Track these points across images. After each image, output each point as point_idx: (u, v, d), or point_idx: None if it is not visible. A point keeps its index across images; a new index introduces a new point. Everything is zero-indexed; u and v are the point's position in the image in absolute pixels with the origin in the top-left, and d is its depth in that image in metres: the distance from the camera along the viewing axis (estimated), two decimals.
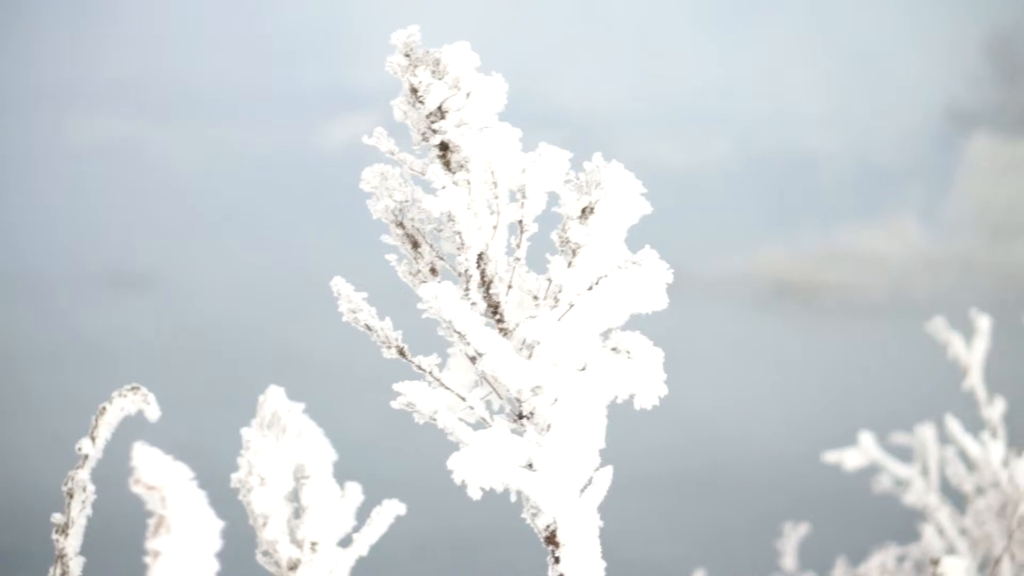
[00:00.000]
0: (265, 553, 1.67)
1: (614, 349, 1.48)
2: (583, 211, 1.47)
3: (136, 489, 0.98)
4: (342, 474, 1.74)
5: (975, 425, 3.44)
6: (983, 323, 3.51)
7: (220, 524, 0.98)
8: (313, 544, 1.67)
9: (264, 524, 1.65)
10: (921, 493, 3.34)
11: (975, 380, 3.50)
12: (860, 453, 3.45)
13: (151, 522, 0.98)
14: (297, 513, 1.68)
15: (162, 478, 0.97)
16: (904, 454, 3.50)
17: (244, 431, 1.66)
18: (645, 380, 1.48)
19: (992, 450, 3.14)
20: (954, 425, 3.24)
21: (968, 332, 3.49)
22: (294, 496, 1.69)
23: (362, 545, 1.73)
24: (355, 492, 1.74)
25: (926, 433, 3.39)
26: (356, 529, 1.73)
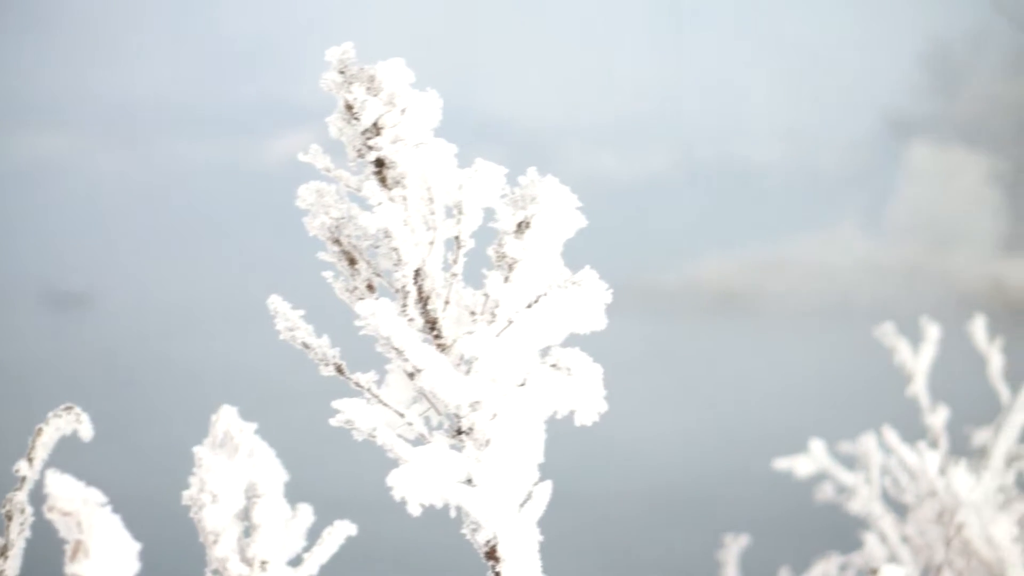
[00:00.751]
0: (215, 571, 1.67)
1: (554, 365, 1.50)
2: (519, 226, 1.48)
3: (51, 516, 0.98)
4: (293, 494, 1.74)
5: (920, 433, 3.47)
6: (932, 331, 3.54)
7: (136, 546, 0.97)
8: (263, 563, 1.67)
9: (215, 542, 1.64)
10: (865, 501, 3.36)
11: (919, 388, 3.53)
12: (811, 460, 3.47)
13: (68, 548, 0.98)
14: (248, 532, 1.68)
15: (76, 504, 0.97)
16: (850, 462, 3.52)
17: (196, 449, 1.66)
18: (585, 397, 1.49)
19: (929, 459, 3.16)
20: (891, 434, 3.26)
21: (913, 339, 3.51)
22: (245, 515, 1.69)
23: (312, 565, 1.73)
24: (306, 512, 1.74)
25: (869, 441, 3.41)
26: (307, 549, 1.73)
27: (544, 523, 1.55)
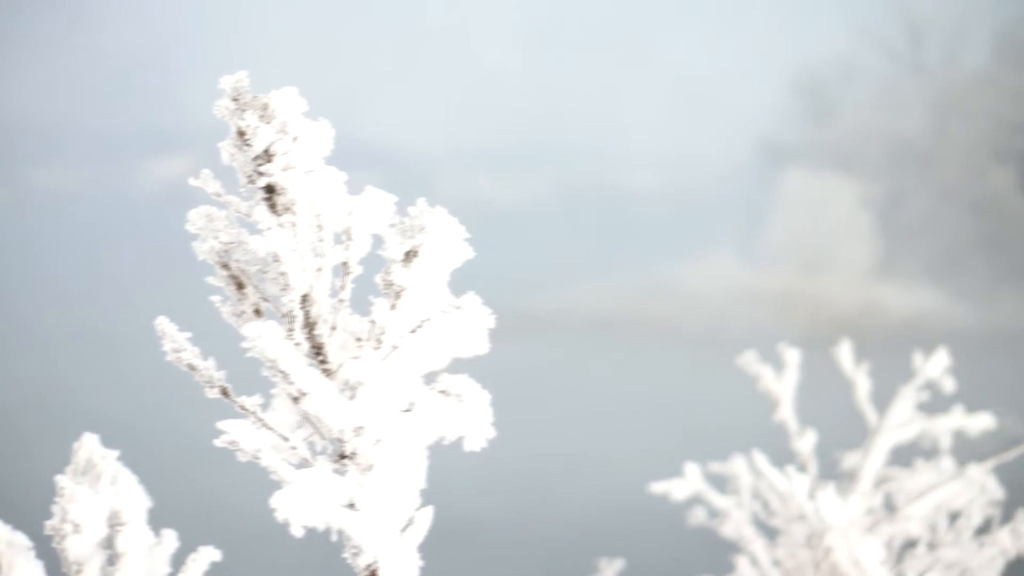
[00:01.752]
0: None
1: (443, 392, 1.51)
2: (407, 255, 1.50)
3: None
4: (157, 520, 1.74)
5: (791, 458, 3.52)
6: (792, 356, 3.59)
7: None
8: None
9: (78, 571, 1.64)
10: (737, 525, 3.41)
11: (786, 413, 3.58)
12: (686, 484, 3.51)
13: None
14: (111, 560, 1.67)
15: (1, 546, 0.97)
16: (723, 486, 3.56)
17: (58, 478, 1.65)
18: (474, 423, 1.51)
19: (798, 483, 3.21)
20: (761, 459, 3.31)
21: (781, 365, 3.56)
22: (109, 543, 1.68)
23: None
24: (170, 539, 1.74)
25: (740, 466, 3.46)
26: None
27: (426, 548, 1.57)
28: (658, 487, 3.51)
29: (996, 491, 3.53)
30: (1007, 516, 3.49)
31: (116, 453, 1.71)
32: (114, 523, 1.68)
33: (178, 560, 1.73)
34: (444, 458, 1.58)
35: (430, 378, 1.53)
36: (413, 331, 1.50)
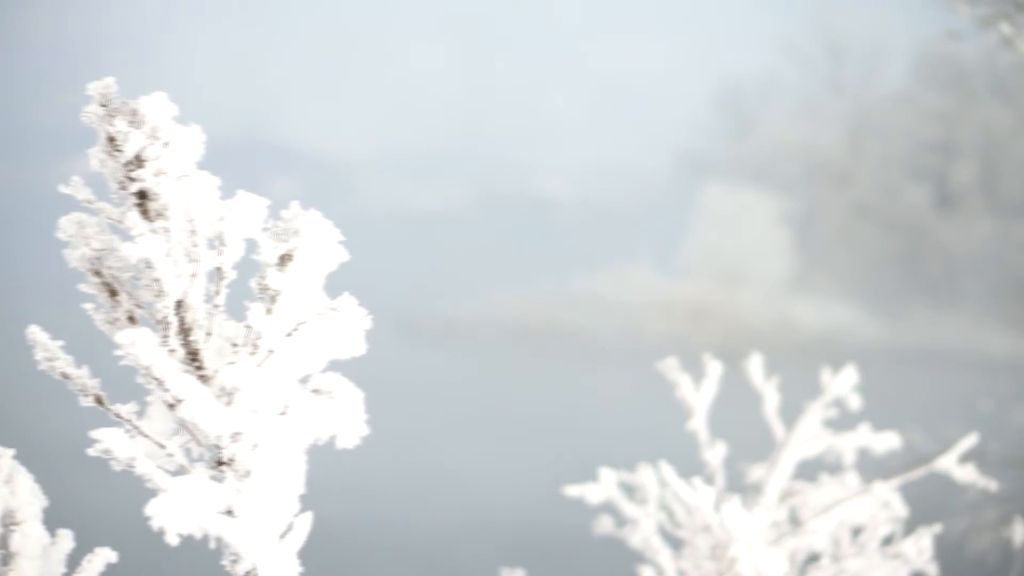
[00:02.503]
0: None
1: (315, 390, 1.50)
2: (281, 258, 1.48)
3: None
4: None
5: (701, 468, 3.53)
6: (714, 367, 3.60)
7: None
8: None
9: None
10: (644, 534, 3.41)
11: (699, 424, 3.59)
12: (600, 489, 3.51)
13: None
14: (5, 560, 1.65)
15: None
16: (631, 495, 3.56)
17: None
18: (346, 420, 1.50)
19: (704, 494, 3.22)
20: (668, 469, 3.32)
21: (698, 375, 3.57)
22: (2, 542, 1.65)
23: None
24: (66, 539, 1.72)
25: (648, 475, 3.46)
26: None
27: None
28: (572, 491, 3.51)
29: (900, 508, 3.56)
30: (910, 532, 3.52)
31: (12, 452, 1.68)
32: (8, 523, 1.65)
33: (73, 561, 1.70)
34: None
35: (305, 381, 1.52)
36: (289, 335, 1.49)
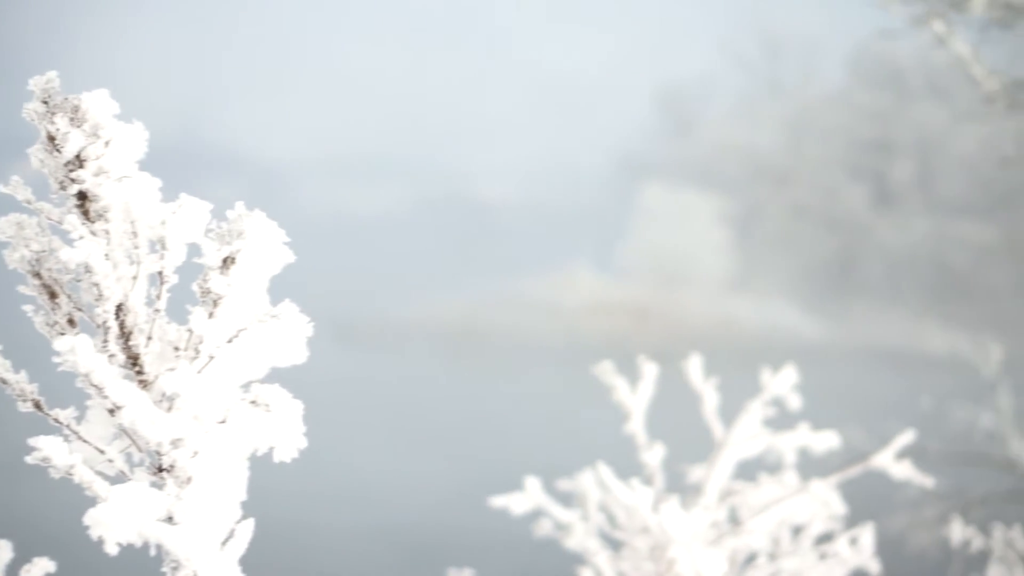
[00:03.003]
0: None
1: (253, 402, 1.49)
2: (224, 261, 1.47)
3: None
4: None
5: (639, 470, 3.53)
6: (649, 369, 3.61)
7: None
8: None
9: None
10: (581, 537, 3.41)
11: (636, 425, 3.59)
12: (526, 498, 3.50)
13: None
14: None
15: None
16: (569, 499, 3.56)
17: None
18: (284, 433, 1.48)
19: (642, 496, 3.23)
20: (606, 471, 3.32)
21: (636, 377, 3.58)
22: None
23: None
24: (5, 549, 1.70)
25: (586, 478, 3.46)
26: None
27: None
28: (498, 500, 3.50)
29: (838, 506, 3.58)
30: (849, 529, 3.54)
31: None
32: None
33: (12, 572, 1.69)
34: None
35: (245, 388, 1.51)
36: (230, 340, 1.47)
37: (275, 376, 1.52)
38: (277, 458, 1.49)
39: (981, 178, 53.67)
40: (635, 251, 49.25)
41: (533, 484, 3.50)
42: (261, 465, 1.54)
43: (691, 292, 47.21)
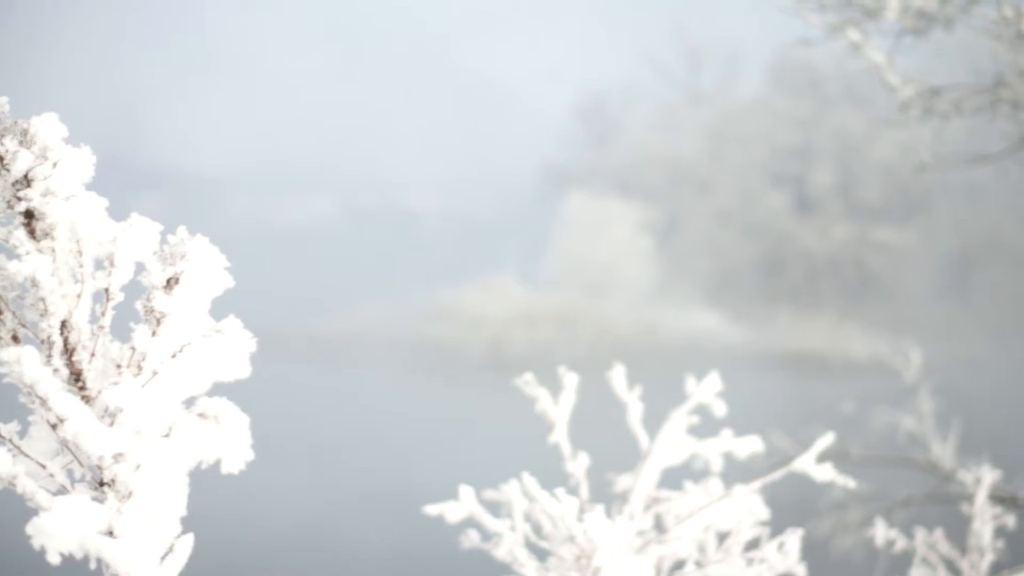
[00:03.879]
0: None
1: (201, 415, 1.50)
2: (168, 281, 1.50)
3: None
4: None
5: (564, 479, 3.56)
6: (570, 380, 3.63)
7: None
8: None
9: None
10: (509, 547, 3.43)
11: (560, 436, 3.62)
12: (460, 506, 3.51)
13: None
14: None
15: None
16: (497, 509, 3.58)
17: None
18: (231, 445, 1.50)
19: (568, 505, 3.25)
20: (531, 481, 3.34)
21: (558, 387, 3.61)
22: None
23: None
24: None
25: (512, 489, 3.48)
26: None
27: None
28: (433, 509, 3.52)
29: (762, 512, 3.61)
30: (776, 534, 3.57)
31: None
32: None
33: None
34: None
35: (190, 403, 1.52)
36: (174, 356, 1.49)
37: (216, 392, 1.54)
38: (225, 470, 1.51)
39: (899, 183, 54.15)
40: (559, 260, 49.40)
41: (467, 492, 3.52)
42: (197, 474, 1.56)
43: (615, 300, 47.39)
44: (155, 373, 1.49)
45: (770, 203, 54.37)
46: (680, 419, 3.81)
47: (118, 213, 1.51)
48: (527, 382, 3.63)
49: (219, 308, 1.59)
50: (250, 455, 1.52)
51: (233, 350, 1.52)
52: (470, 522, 3.52)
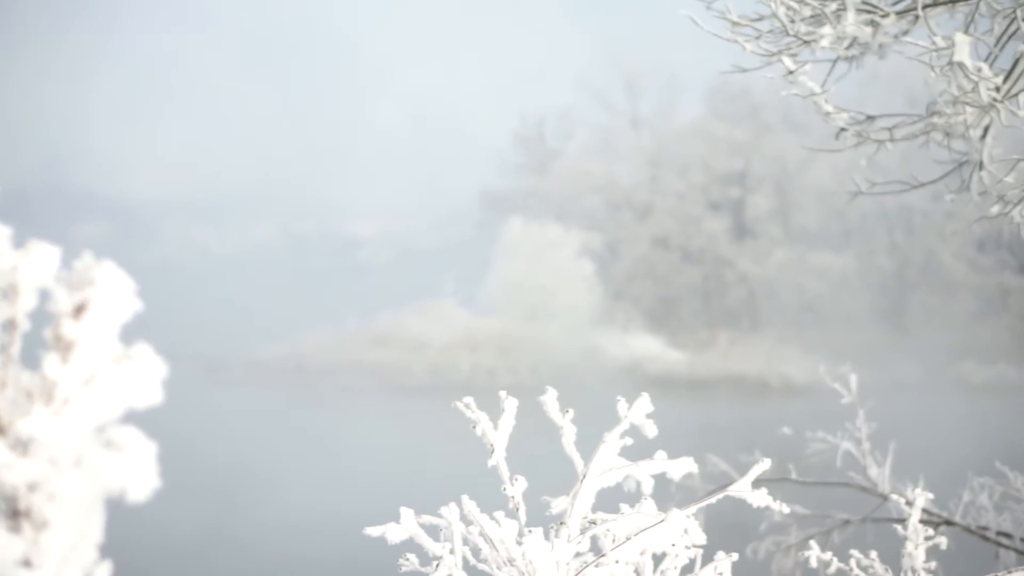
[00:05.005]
0: None
1: (108, 444, 1.48)
2: (76, 309, 1.47)
3: None
4: None
5: (505, 502, 3.56)
6: (510, 404, 3.64)
7: None
8: None
9: None
10: (449, 570, 3.42)
11: (499, 459, 3.62)
12: (401, 528, 3.51)
13: None
14: None
15: None
16: (436, 532, 3.57)
17: None
18: (137, 473, 1.48)
19: (507, 528, 3.25)
20: (471, 504, 3.35)
21: (499, 411, 3.61)
22: None
23: None
24: None
25: (452, 512, 3.48)
26: None
27: None
28: (374, 531, 3.52)
29: (699, 535, 3.63)
30: (709, 557, 3.59)
31: None
32: None
33: None
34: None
35: (100, 430, 1.50)
36: (85, 384, 1.47)
37: (135, 415, 1.52)
38: (130, 498, 1.49)
39: (836, 209, 54.56)
40: (499, 286, 49.46)
41: (407, 513, 3.52)
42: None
43: (556, 325, 47.50)
44: (67, 401, 1.47)
45: (709, 228, 54.74)
46: (614, 441, 3.82)
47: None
48: (467, 405, 3.63)
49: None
50: (155, 483, 1.50)
51: (143, 376, 1.50)
52: (410, 545, 3.51)
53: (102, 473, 1.47)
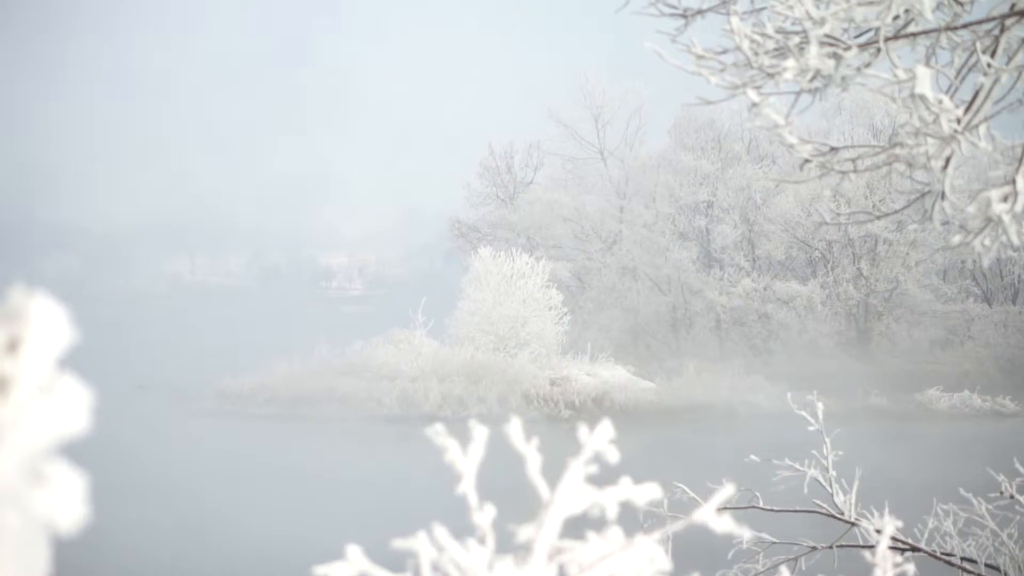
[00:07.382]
0: None
1: (36, 478, 1.43)
2: (10, 343, 1.46)
3: None
4: None
5: (472, 531, 3.59)
6: (480, 432, 3.67)
7: None
8: None
9: None
10: None
11: (468, 487, 3.65)
12: (349, 566, 3.52)
13: None
14: None
15: None
16: (404, 560, 3.59)
17: None
18: (65, 508, 1.47)
19: (477, 556, 3.28)
20: (442, 532, 3.37)
21: (468, 440, 3.65)
22: None
23: None
24: None
25: (421, 539, 3.50)
26: None
27: None
28: (320, 570, 3.53)
29: (664, 562, 3.65)
30: None
31: None
32: None
33: None
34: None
35: (31, 462, 1.47)
36: (19, 419, 1.46)
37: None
38: (62, 531, 1.47)
39: (801, 238, 54.77)
40: (469, 316, 49.36)
41: (354, 551, 3.53)
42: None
43: (525, 354, 47.41)
44: (3, 440, 1.46)
45: (676, 258, 54.85)
46: (578, 469, 3.85)
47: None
48: (437, 432, 3.65)
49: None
50: (84, 516, 1.48)
51: (70, 405, 1.48)
52: None
53: (32, 507, 1.42)
